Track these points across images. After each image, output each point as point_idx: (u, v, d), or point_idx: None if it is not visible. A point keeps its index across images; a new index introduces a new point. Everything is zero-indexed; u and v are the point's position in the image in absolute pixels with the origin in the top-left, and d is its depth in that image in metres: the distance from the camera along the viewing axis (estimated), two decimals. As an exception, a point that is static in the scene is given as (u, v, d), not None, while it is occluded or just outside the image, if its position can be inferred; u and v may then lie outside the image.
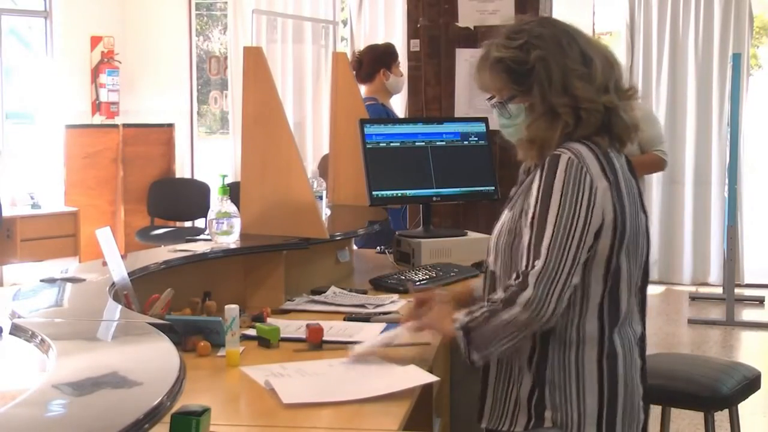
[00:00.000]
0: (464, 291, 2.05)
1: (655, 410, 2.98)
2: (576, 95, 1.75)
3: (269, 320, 2.30)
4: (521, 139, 1.83)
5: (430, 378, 1.81)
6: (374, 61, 4.22)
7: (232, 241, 2.57)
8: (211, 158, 8.30)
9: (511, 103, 1.81)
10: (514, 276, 1.71)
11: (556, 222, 1.69)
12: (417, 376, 1.81)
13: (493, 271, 1.83)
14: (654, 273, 7.07)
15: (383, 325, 2.22)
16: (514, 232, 1.77)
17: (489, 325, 1.71)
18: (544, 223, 1.70)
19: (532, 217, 1.72)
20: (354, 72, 4.20)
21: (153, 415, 1.15)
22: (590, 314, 1.75)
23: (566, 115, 1.76)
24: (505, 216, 1.82)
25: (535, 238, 1.70)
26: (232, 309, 1.98)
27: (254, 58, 2.70)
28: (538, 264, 1.67)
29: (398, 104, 5.85)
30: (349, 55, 6.03)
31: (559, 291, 1.67)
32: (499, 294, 1.72)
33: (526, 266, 1.69)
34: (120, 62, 7.25)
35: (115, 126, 7.13)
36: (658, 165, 4.43)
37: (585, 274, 1.73)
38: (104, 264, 2.10)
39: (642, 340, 1.85)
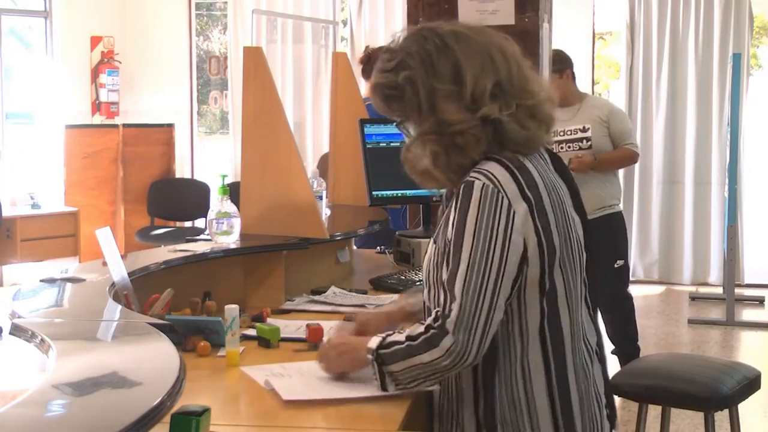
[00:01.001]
0: (399, 311, 1.98)
1: (655, 410, 2.99)
2: (442, 119, 1.65)
3: (269, 320, 2.30)
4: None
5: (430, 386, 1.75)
6: None
7: (232, 241, 2.57)
8: (211, 158, 8.31)
9: (406, 125, 1.73)
10: (433, 317, 1.62)
11: (470, 260, 1.58)
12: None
13: (428, 306, 1.74)
14: (654, 273, 7.06)
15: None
16: (441, 266, 1.67)
17: (407, 363, 1.63)
18: (458, 261, 1.59)
19: (447, 253, 1.62)
20: (361, 66, 4.19)
21: (153, 415, 1.15)
22: (532, 343, 1.65)
23: (432, 143, 1.66)
24: (431, 248, 1.72)
25: (449, 277, 1.60)
26: (231, 309, 1.98)
27: (254, 58, 2.70)
28: (454, 309, 1.57)
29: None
30: (350, 55, 6.03)
31: (480, 333, 1.58)
32: (419, 330, 1.63)
33: (443, 308, 1.60)
34: (120, 62, 7.25)
35: (115, 126, 7.13)
36: (631, 158, 4.55)
37: (519, 301, 1.64)
38: (104, 264, 2.10)
39: (599, 346, 1.77)
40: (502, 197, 1.60)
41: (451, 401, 1.73)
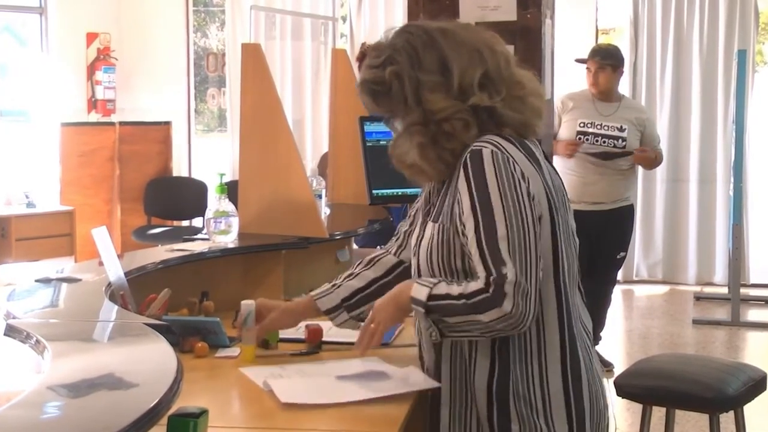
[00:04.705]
0: (306, 307, 1.98)
1: (660, 412, 2.98)
2: (426, 109, 1.68)
3: None
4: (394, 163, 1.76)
5: (431, 384, 1.75)
6: None
7: (230, 240, 2.58)
8: (209, 156, 8.27)
9: (393, 121, 1.75)
10: (483, 282, 1.58)
11: (506, 222, 1.58)
12: (418, 381, 1.77)
13: None
14: (658, 272, 7.05)
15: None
16: (449, 243, 1.67)
17: (462, 319, 1.60)
18: (493, 226, 1.58)
19: (476, 223, 1.60)
20: (358, 63, 4.17)
21: (150, 417, 1.14)
22: (549, 320, 1.66)
23: (418, 135, 1.68)
24: (432, 229, 1.71)
25: (488, 242, 1.58)
26: (247, 305, 1.98)
27: (252, 55, 2.72)
28: (509, 273, 1.56)
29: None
30: (349, 51, 6.00)
31: (534, 296, 1.58)
32: (474, 287, 1.59)
33: (493, 271, 1.57)
34: (116, 59, 7.22)
35: (112, 124, 7.11)
36: (660, 161, 4.86)
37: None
38: (100, 264, 2.10)
39: (594, 330, 1.82)
40: (513, 162, 1.62)
41: (463, 373, 1.71)
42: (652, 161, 4.69)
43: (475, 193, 1.61)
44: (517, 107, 1.70)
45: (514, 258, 1.57)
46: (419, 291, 1.66)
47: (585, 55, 4.82)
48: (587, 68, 4.63)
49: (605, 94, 4.61)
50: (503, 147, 1.63)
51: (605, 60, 4.58)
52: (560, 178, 1.76)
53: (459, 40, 1.71)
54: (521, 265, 1.57)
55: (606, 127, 4.58)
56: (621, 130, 4.57)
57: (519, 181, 1.61)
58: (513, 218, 1.58)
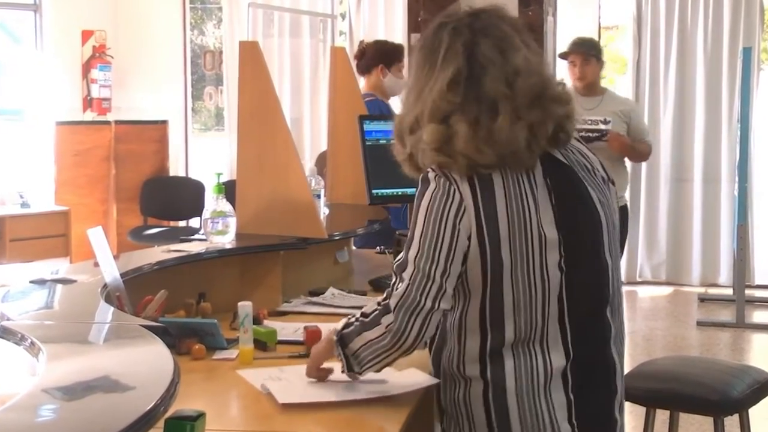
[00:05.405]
0: None
1: (663, 415, 2.96)
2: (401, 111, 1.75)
3: (266, 322, 2.29)
4: None
5: (431, 381, 1.76)
6: (376, 56, 4.16)
7: (227, 241, 2.58)
8: (206, 156, 8.24)
9: None
10: (384, 295, 1.66)
11: (419, 246, 1.61)
12: (418, 379, 1.78)
13: None
14: (662, 274, 7.02)
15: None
16: None
17: (362, 340, 1.66)
18: (409, 247, 1.63)
19: (405, 243, 1.66)
20: (355, 61, 4.15)
21: (146, 420, 1.14)
22: (470, 346, 1.65)
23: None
24: None
25: (401, 261, 1.64)
26: (244, 306, 1.98)
27: (250, 53, 2.71)
28: (400, 288, 1.61)
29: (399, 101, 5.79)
30: (348, 49, 5.99)
31: (422, 318, 1.60)
32: (370, 308, 1.68)
33: (391, 288, 1.64)
34: (112, 57, 7.19)
35: (107, 123, 7.08)
36: (649, 153, 4.80)
37: (463, 301, 1.65)
38: (96, 265, 2.08)
39: (571, 370, 1.65)
40: (455, 190, 1.62)
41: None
42: (629, 148, 4.54)
43: (412, 215, 1.65)
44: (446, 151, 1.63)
45: (413, 280, 1.60)
46: (341, 322, 1.72)
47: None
48: (571, 62, 4.57)
49: (590, 87, 4.55)
50: (452, 175, 1.62)
51: (590, 51, 4.53)
52: (550, 203, 1.64)
53: (435, 65, 1.66)
54: (418, 287, 1.60)
55: (590, 121, 4.50)
56: (605, 123, 4.49)
57: (451, 210, 1.60)
58: (427, 243, 1.60)
